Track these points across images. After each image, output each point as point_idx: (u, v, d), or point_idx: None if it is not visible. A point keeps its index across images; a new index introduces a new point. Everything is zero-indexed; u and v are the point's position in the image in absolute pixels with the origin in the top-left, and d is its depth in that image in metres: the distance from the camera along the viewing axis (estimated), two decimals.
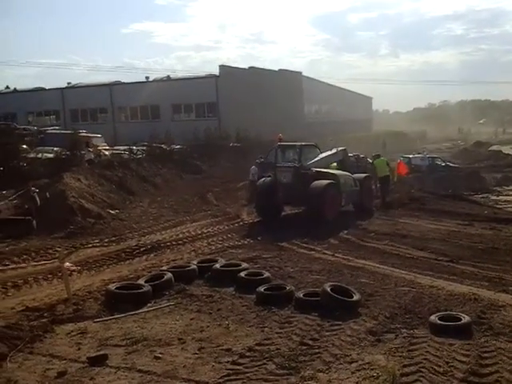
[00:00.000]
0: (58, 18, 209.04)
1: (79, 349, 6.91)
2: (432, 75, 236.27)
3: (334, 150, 17.57)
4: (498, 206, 18.42)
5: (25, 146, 23.63)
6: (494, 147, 45.65)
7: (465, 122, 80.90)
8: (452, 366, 6.22)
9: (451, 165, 28.24)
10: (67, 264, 9.03)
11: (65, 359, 6.61)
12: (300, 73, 50.18)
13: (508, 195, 20.89)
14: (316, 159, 16.45)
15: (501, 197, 20.49)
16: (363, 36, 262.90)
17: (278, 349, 6.70)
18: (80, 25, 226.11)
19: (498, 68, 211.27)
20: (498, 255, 11.64)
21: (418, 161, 27.43)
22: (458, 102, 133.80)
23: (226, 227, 15.33)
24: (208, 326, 7.61)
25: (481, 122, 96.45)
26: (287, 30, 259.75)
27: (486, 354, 6.51)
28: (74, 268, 10.61)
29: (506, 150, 41.46)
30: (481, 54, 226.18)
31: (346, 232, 14.25)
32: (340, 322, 7.57)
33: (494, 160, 34.26)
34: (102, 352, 6.67)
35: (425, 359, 6.32)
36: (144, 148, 27.97)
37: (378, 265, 10.95)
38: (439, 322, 7.39)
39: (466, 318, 7.46)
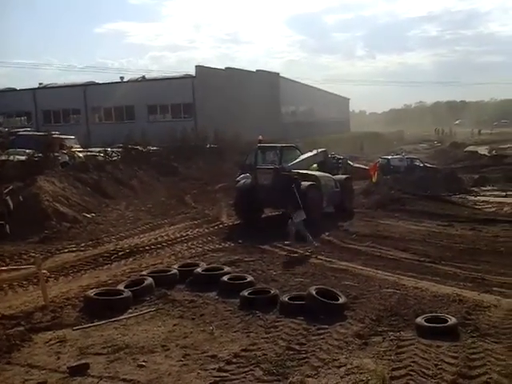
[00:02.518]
0: (30, 16, 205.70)
1: (59, 358, 6.70)
2: (408, 76, 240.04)
3: (314, 152, 17.54)
4: (476, 207, 18.57)
5: None
6: (470, 148, 46.38)
7: (441, 123, 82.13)
8: (441, 368, 6.20)
9: (429, 165, 28.53)
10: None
11: (44, 369, 6.40)
12: (277, 74, 50.18)
13: (485, 196, 21.12)
14: (296, 161, 16.36)
15: (478, 197, 20.63)
16: (339, 37, 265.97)
17: (264, 354, 6.59)
18: (52, 24, 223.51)
19: (472, 69, 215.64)
20: (480, 255, 11.70)
21: (397, 162, 27.67)
22: (434, 103, 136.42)
23: (206, 230, 15.15)
24: (192, 332, 7.47)
25: (456, 122, 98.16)
26: (263, 31, 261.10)
27: (474, 356, 6.51)
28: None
29: (482, 150, 42.14)
30: (456, 55, 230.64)
31: (327, 234, 14.18)
32: (326, 326, 7.49)
33: (471, 161, 34.74)
34: (82, 361, 6.47)
35: (413, 362, 6.30)
36: (119, 150, 27.53)
37: (361, 267, 10.91)
38: (426, 323, 7.37)
39: (452, 320, 7.45)
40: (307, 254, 12.17)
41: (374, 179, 22.16)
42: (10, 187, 15.72)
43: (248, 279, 9.51)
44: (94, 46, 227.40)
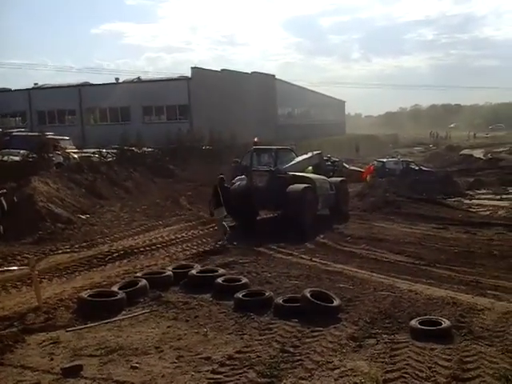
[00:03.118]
0: (25, 17, 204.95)
1: (52, 359, 6.69)
2: (403, 79, 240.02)
3: (309, 154, 17.55)
4: (471, 210, 18.67)
5: None
6: (466, 151, 46.61)
7: (436, 126, 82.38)
8: (434, 370, 6.23)
9: (424, 169, 28.59)
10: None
11: (37, 370, 6.39)
12: (273, 75, 50.19)
13: (480, 199, 21.22)
14: (292, 163, 16.36)
15: (473, 200, 20.75)
16: (335, 40, 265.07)
17: (258, 356, 6.60)
18: (48, 24, 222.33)
19: (468, 73, 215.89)
20: (474, 258, 11.76)
21: (392, 165, 27.69)
22: (429, 106, 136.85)
23: (201, 232, 15.14)
24: (185, 334, 7.47)
25: (452, 125, 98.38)
26: (259, 33, 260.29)
27: (467, 359, 6.53)
28: None
29: (477, 154, 42.35)
30: (451, 58, 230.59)
31: (322, 236, 14.22)
32: (321, 328, 7.50)
33: (466, 164, 34.90)
34: (76, 362, 6.47)
35: (407, 364, 6.31)
36: (114, 151, 27.45)
37: (355, 269, 10.94)
38: (420, 326, 7.39)
39: (446, 323, 7.48)
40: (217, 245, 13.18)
41: (368, 179, 22.23)
42: (4, 190, 15.63)
43: (242, 281, 9.51)
44: (90, 47, 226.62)
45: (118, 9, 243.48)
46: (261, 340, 7.14)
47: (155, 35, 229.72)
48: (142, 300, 8.88)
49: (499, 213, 18.00)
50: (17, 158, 21.67)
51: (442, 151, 50.89)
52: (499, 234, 14.16)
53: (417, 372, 6.11)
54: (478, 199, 21.13)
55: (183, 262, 11.34)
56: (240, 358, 6.56)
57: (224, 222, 14.09)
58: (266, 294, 8.75)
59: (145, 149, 28.88)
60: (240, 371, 6.21)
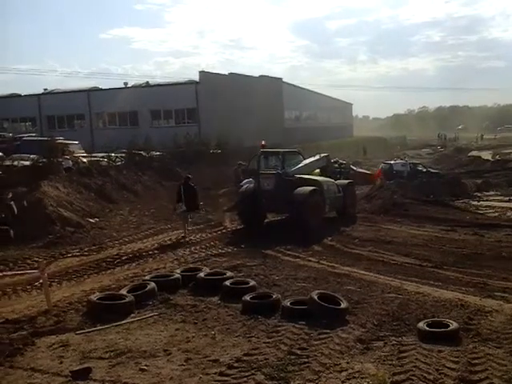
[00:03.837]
0: (34, 22, 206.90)
1: (61, 362, 6.72)
2: (411, 81, 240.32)
3: (316, 157, 17.54)
4: (479, 212, 18.58)
5: (0, 154, 23.18)
6: (474, 153, 46.47)
7: (444, 128, 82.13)
8: (442, 373, 6.20)
9: (432, 171, 28.48)
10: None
11: (47, 373, 6.43)
12: (280, 79, 50.24)
13: (488, 200, 21.14)
14: (299, 166, 16.37)
15: (481, 202, 20.68)
16: (342, 42, 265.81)
17: (266, 359, 6.60)
18: (57, 30, 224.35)
19: (476, 74, 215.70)
20: (482, 260, 11.71)
21: (400, 167, 27.59)
22: (437, 108, 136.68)
23: (209, 235, 15.19)
24: (194, 337, 7.49)
25: (459, 127, 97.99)
26: (266, 37, 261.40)
27: (475, 361, 6.50)
28: None
29: (486, 155, 42.20)
30: (459, 60, 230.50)
31: (330, 238, 14.23)
32: (328, 331, 7.50)
33: (474, 166, 34.76)
34: (85, 365, 6.50)
35: (414, 367, 6.29)
36: (123, 155, 27.64)
37: (363, 271, 10.92)
38: (427, 328, 7.37)
39: (453, 325, 7.45)
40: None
41: (377, 182, 22.27)
42: (10, 195, 15.78)
43: (250, 284, 9.52)
44: (99, 52, 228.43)
45: (126, 14, 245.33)
46: (268, 342, 7.14)
47: (163, 40, 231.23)
48: (150, 303, 8.91)
49: (508, 214, 17.92)
50: (27, 163, 21.88)
51: (449, 153, 50.79)
52: (508, 236, 14.09)
53: (424, 374, 6.09)
54: (486, 201, 21.05)
55: (191, 265, 11.37)
56: (248, 360, 6.57)
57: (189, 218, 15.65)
58: (274, 296, 8.75)
59: (153, 152, 29.09)
60: (248, 373, 6.22)
